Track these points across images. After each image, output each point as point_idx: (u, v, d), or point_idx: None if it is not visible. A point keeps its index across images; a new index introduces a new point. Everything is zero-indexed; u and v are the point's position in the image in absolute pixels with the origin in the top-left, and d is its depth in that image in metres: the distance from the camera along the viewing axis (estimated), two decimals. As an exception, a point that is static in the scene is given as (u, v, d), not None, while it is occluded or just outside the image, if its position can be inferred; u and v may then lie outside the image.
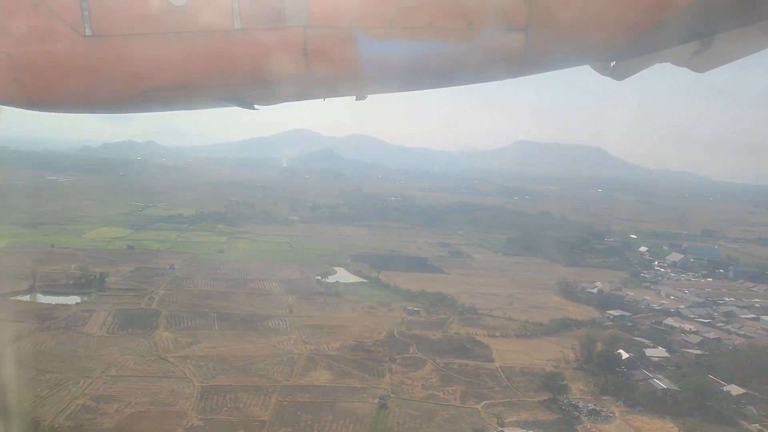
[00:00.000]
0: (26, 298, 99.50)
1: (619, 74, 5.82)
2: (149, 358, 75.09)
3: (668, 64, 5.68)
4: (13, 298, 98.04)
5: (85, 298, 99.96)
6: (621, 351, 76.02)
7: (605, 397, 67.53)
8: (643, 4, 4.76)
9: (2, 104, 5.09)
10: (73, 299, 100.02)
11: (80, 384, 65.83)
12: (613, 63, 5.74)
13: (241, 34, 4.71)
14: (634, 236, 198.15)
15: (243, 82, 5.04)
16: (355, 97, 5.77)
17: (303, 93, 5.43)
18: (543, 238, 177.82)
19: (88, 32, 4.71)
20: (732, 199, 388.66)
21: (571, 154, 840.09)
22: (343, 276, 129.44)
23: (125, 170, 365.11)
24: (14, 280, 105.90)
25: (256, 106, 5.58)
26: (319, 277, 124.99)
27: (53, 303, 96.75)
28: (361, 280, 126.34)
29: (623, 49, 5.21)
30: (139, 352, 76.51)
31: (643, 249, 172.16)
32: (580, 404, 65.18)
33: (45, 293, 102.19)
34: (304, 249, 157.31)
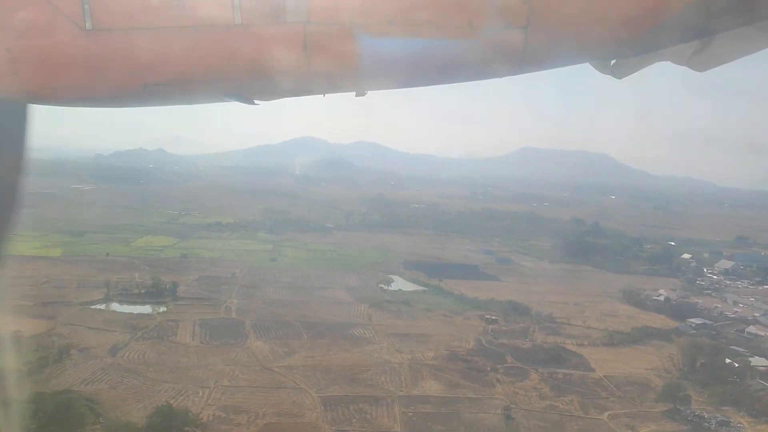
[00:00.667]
0: (101, 306, 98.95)
1: (619, 72, 5.83)
2: (254, 368, 74.56)
3: (668, 62, 5.70)
4: (92, 307, 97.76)
5: (163, 308, 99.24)
6: (728, 360, 75.73)
7: (725, 408, 67.21)
8: (643, 3, 4.77)
9: (2, 98, 5.05)
10: (147, 308, 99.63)
11: (200, 394, 65.31)
12: (613, 61, 5.76)
13: (242, 29, 4.72)
14: (672, 243, 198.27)
15: (243, 76, 5.04)
16: (354, 93, 5.73)
17: (303, 88, 5.36)
18: (585, 245, 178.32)
19: (88, 26, 4.69)
20: (746, 205, 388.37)
21: (577, 161, 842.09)
22: (401, 284, 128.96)
23: (144, 178, 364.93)
24: (87, 289, 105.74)
25: (256, 101, 5.58)
26: (382, 285, 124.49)
27: (135, 312, 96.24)
28: (421, 288, 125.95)
29: (623, 48, 5.23)
30: (242, 362, 75.97)
31: (686, 256, 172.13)
32: (706, 415, 64.83)
33: (121, 302, 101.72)
34: (351, 257, 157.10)
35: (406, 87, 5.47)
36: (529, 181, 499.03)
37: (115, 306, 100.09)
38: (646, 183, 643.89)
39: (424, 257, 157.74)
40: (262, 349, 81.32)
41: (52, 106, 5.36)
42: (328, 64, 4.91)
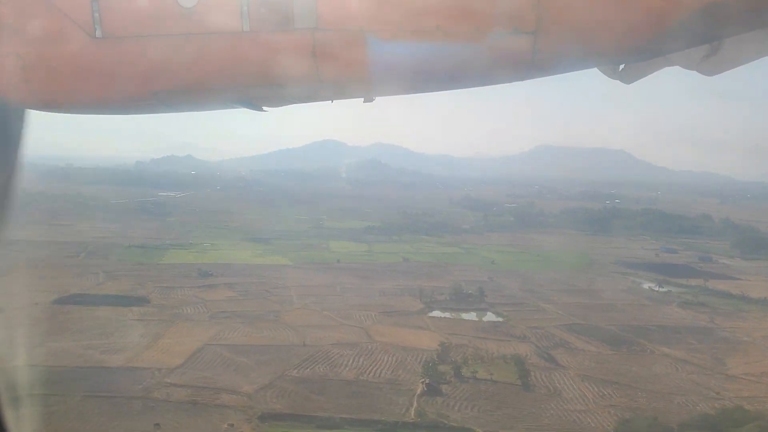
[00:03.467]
0: (438, 314, 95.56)
1: (627, 78, 5.82)
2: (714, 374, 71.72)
3: (677, 67, 5.62)
4: (431, 315, 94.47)
5: (499, 317, 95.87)
6: None
7: None
8: (652, 8, 4.68)
9: (13, 106, 5.07)
10: (470, 315, 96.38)
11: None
12: (622, 66, 5.72)
13: (250, 36, 4.73)
14: None
15: (252, 83, 5.07)
16: (363, 99, 5.67)
17: (311, 95, 5.40)
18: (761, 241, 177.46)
19: (98, 33, 4.72)
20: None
21: (596, 158, 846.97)
22: (654, 284, 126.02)
23: (213, 185, 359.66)
24: (389, 296, 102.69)
25: (264, 108, 5.55)
26: (651, 286, 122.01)
27: (485, 320, 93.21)
28: (680, 288, 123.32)
29: (632, 53, 5.22)
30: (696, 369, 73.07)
31: None
32: None
33: (443, 309, 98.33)
34: (551, 258, 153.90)
35: (414, 93, 5.49)
36: (557, 178, 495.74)
37: (437, 313, 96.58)
38: (671, 179, 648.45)
39: (625, 258, 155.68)
40: (692, 356, 78.03)
41: (63, 114, 5.42)
42: (337, 70, 4.89)
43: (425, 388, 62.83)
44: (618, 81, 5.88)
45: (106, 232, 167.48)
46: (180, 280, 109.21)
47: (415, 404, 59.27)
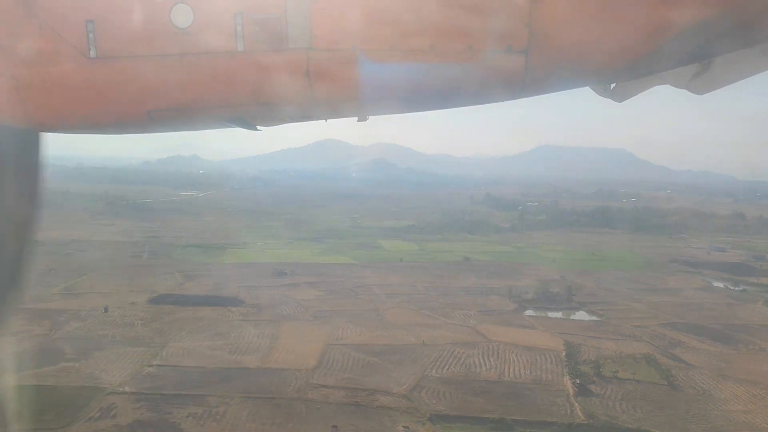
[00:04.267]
0: (530, 313, 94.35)
1: (618, 96, 5.89)
2: None
3: (668, 86, 5.70)
4: (527, 314, 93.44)
5: (594, 316, 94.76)
6: None
7: None
8: (643, 27, 4.72)
9: (8, 126, 4.99)
10: (567, 314, 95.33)
11: None
12: (613, 85, 5.81)
13: (244, 56, 4.73)
14: None
15: (246, 103, 5.06)
16: (357, 118, 5.73)
17: (305, 114, 5.42)
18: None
19: (93, 54, 4.71)
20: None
21: (597, 157, 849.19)
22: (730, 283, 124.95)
23: (228, 184, 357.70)
24: (475, 295, 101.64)
25: (258, 127, 5.58)
26: (727, 285, 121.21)
27: (568, 318, 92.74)
28: (758, 288, 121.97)
29: (623, 72, 5.24)
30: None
31: None
32: None
33: (536, 309, 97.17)
34: (609, 257, 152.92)
35: (407, 112, 5.48)
36: (563, 178, 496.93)
37: (544, 313, 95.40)
38: (672, 179, 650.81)
39: (679, 256, 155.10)
40: None
41: (58, 134, 5.41)
42: (331, 90, 4.90)
43: (577, 389, 61.49)
44: (609, 99, 5.92)
45: (152, 232, 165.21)
46: (259, 279, 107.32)
47: (576, 405, 57.88)
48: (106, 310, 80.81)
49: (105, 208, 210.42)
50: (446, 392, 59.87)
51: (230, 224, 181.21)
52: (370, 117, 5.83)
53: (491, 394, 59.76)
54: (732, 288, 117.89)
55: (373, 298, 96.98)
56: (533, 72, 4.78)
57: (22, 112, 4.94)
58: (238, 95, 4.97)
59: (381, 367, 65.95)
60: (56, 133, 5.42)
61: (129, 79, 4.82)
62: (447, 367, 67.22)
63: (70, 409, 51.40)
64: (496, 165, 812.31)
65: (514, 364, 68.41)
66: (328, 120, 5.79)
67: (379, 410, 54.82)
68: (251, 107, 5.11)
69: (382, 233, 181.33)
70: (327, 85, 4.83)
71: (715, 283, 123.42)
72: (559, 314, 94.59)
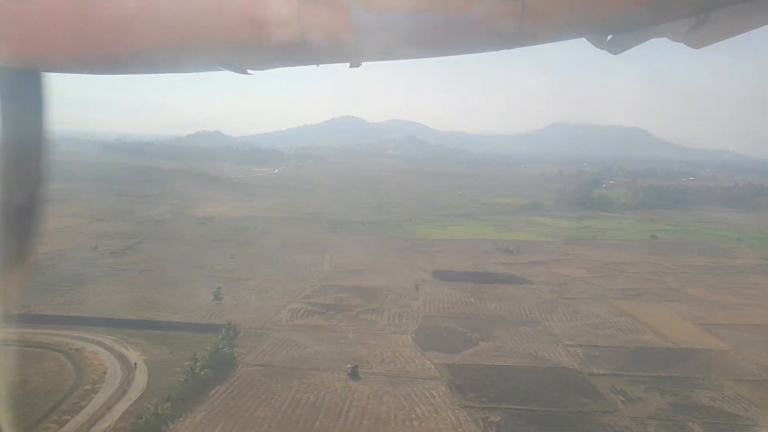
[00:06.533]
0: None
1: (614, 48, 5.77)
2: None
3: (665, 39, 5.64)
4: None
5: None
6: None
7: None
8: None
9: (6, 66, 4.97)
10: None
11: None
12: (610, 37, 5.64)
13: None
14: None
15: (236, 45, 4.96)
16: (348, 64, 5.62)
17: (296, 59, 5.34)
18: None
19: None
20: None
21: (612, 135, 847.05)
22: None
23: (274, 164, 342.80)
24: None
25: (248, 71, 5.49)
26: None
27: None
28: None
29: (620, 23, 5.19)
30: None
31: None
32: None
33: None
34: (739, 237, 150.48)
35: (400, 59, 5.45)
36: (581, 156, 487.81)
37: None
38: (688, 158, 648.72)
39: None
40: None
41: (46, 73, 5.28)
42: (322, 35, 4.81)
43: None
44: (605, 51, 5.75)
45: (303, 208, 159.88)
46: (497, 256, 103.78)
47: None
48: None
49: (210, 185, 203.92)
50: None
51: (366, 200, 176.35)
52: (363, 64, 5.61)
53: None
54: None
55: (646, 278, 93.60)
56: (528, 21, 4.61)
57: (5, 49, 4.77)
58: (228, 37, 4.78)
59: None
60: (40, 71, 5.18)
61: (115, 18, 4.64)
62: None
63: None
64: (511, 143, 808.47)
65: None
66: (319, 65, 5.57)
67: None
68: (241, 50, 4.93)
69: (515, 210, 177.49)
70: (318, 30, 4.66)
71: None
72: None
